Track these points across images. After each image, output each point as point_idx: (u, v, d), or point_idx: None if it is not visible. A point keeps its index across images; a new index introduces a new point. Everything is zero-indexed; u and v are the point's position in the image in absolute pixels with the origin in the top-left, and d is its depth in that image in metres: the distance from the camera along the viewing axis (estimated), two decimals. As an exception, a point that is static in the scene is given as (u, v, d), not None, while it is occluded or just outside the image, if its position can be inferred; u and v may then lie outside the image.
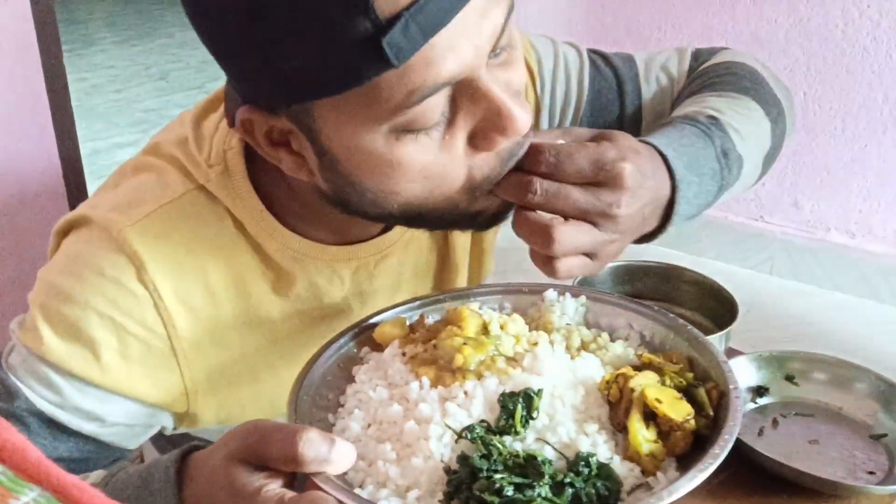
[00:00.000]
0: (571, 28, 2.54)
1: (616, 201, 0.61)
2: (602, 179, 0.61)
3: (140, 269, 0.67)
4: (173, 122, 0.78)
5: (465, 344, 0.61)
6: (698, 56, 0.89)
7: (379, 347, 0.68)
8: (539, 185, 0.61)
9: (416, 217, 0.64)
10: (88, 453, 0.71)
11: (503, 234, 0.79)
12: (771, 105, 0.81)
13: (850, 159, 2.28)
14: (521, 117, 0.58)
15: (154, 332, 0.68)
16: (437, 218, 0.65)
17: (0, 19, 1.29)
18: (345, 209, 0.65)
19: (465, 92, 0.57)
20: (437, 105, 0.56)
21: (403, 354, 0.65)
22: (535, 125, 0.84)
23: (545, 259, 0.63)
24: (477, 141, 0.59)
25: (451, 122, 0.58)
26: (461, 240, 0.84)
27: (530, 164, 0.62)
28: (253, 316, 0.73)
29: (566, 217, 0.61)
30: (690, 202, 0.67)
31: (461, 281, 0.85)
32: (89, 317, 0.66)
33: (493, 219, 0.66)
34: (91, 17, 6.24)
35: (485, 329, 0.64)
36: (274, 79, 0.56)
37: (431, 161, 0.58)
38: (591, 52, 0.87)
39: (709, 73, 0.84)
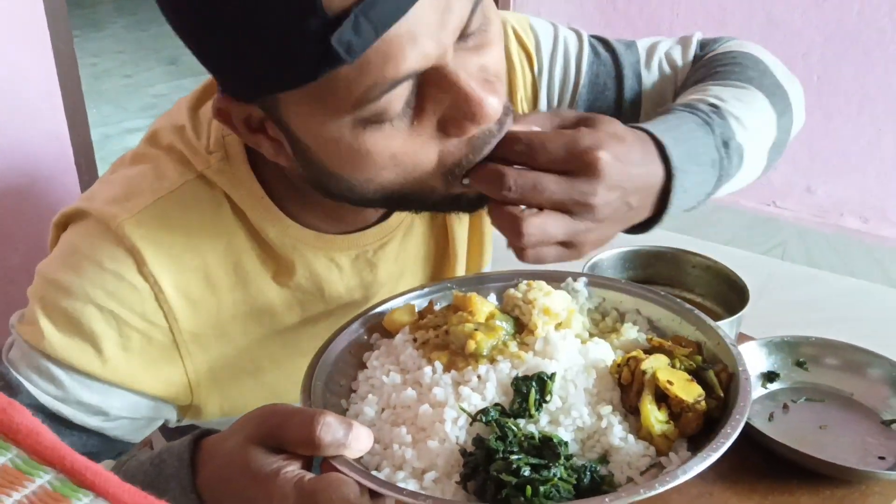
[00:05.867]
0: (584, 10, 2.52)
1: (591, 190, 0.59)
2: (575, 168, 0.60)
3: (140, 262, 0.67)
4: (171, 109, 0.78)
5: (476, 330, 0.62)
6: (704, 45, 0.87)
7: (389, 334, 0.68)
8: (512, 180, 0.59)
9: (397, 200, 0.64)
10: (93, 447, 0.71)
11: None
12: (777, 96, 0.79)
13: (866, 143, 2.26)
14: (491, 104, 0.57)
15: (155, 324, 0.68)
16: (417, 201, 0.64)
17: (10, 4, 1.29)
18: (327, 194, 0.65)
19: (431, 80, 0.56)
20: (400, 96, 0.55)
21: (415, 340, 0.65)
22: (534, 107, 0.84)
23: (517, 249, 0.62)
24: (447, 127, 0.59)
25: (419, 110, 0.57)
26: (459, 228, 0.83)
27: (503, 152, 0.61)
28: (254, 306, 0.73)
29: (541, 208, 0.60)
30: (688, 191, 0.65)
31: (460, 269, 0.85)
32: (89, 310, 0.66)
33: (479, 201, 0.65)
34: (100, 1, 6.23)
35: (493, 315, 0.65)
36: (239, 73, 0.56)
37: (400, 148, 0.58)
38: (593, 37, 0.86)
39: (713, 63, 0.82)
